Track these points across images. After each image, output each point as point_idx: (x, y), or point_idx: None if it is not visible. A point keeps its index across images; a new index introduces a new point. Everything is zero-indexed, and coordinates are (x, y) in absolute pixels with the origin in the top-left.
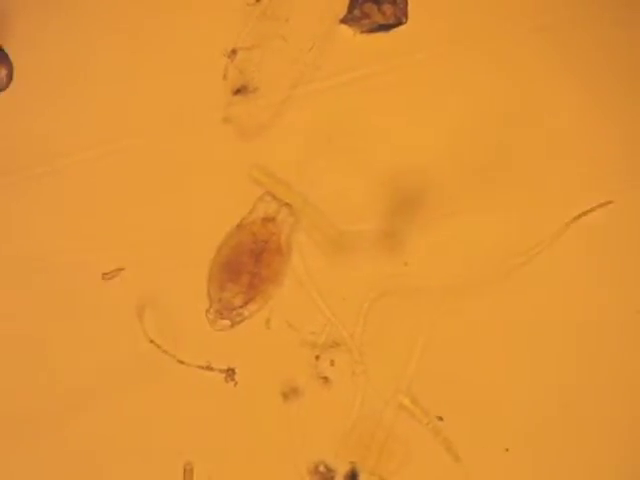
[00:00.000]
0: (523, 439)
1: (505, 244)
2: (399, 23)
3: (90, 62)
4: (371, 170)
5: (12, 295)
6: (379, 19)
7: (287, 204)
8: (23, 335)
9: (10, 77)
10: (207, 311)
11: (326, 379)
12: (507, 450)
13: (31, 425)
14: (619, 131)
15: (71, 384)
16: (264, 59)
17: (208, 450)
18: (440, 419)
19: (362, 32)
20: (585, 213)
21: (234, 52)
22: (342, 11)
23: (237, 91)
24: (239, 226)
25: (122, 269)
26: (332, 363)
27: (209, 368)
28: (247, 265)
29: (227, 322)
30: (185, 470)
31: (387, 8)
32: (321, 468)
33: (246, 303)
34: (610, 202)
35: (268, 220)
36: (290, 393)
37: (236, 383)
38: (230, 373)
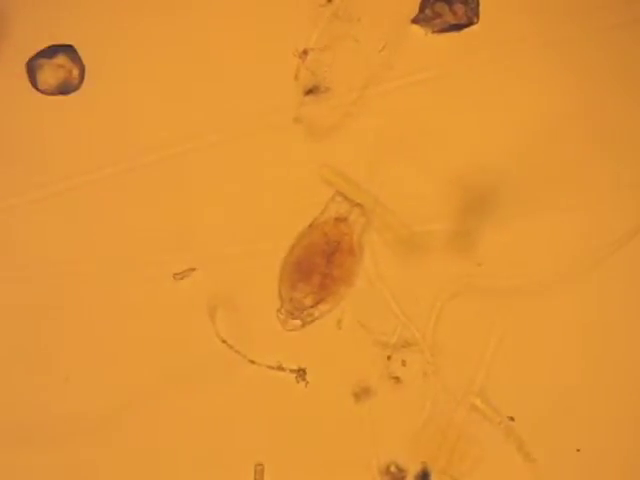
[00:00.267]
0: (595, 440)
1: (579, 244)
2: (470, 23)
3: (161, 63)
4: (443, 170)
5: (86, 297)
6: (450, 19)
7: (359, 204)
8: (96, 336)
9: (82, 77)
10: (278, 311)
11: (398, 379)
12: (579, 450)
13: (101, 425)
14: None
15: (143, 384)
16: (335, 59)
17: (279, 451)
18: (512, 419)
19: (433, 32)
20: None
21: (305, 53)
22: (413, 11)
23: (309, 91)
24: (311, 226)
25: (194, 269)
26: (404, 363)
27: (280, 368)
28: (319, 265)
29: (298, 322)
30: (256, 471)
31: (458, 8)
32: (392, 468)
33: (317, 303)
34: None
35: (340, 220)
36: (361, 393)
37: (307, 383)
38: (301, 373)
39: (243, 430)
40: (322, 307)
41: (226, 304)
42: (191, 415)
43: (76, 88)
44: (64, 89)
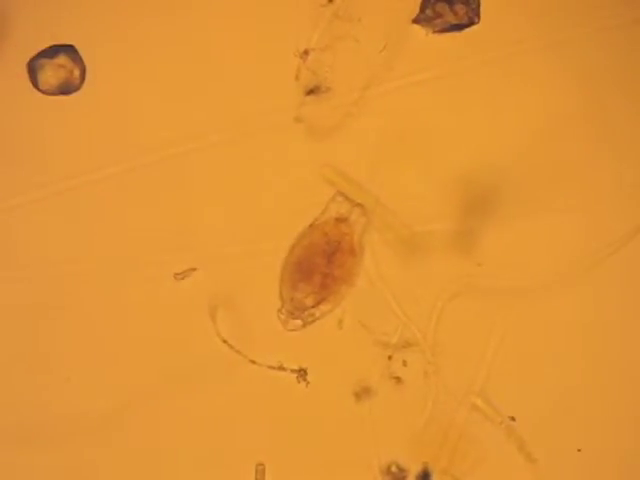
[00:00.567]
0: (595, 440)
1: (579, 244)
2: (471, 23)
3: (162, 63)
4: (443, 170)
5: (87, 297)
6: (451, 19)
7: (359, 204)
8: (97, 336)
9: (83, 77)
10: (279, 311)
11: (398, 379)
12: (579, 450)
13: (101, 424)
14: None
15: (144, 384)
16: (336, 60)
17: (280, 450)
18: (513, 419)
19: (434, 32)
20: None
21: (306, 53)
22: (414, 11)
23: (309, 91)
24: (312, 226)
25: (194, 269)
26: (404, 363)
27: (281, 368)
28: (319, 265)
29: (299, 322)
30: (257, 470)
31: (459, 8)
32: (393, 468)
33: (318, 303)
34: None
35: (340, 220)
36: (362, 393)
37: (308, 383)
38: (302, 373)
39: (244, 430)
40: (323, 307)
41: (227, 304)
42: (192, 415)
43: (77, 88)
44: (65, 89)
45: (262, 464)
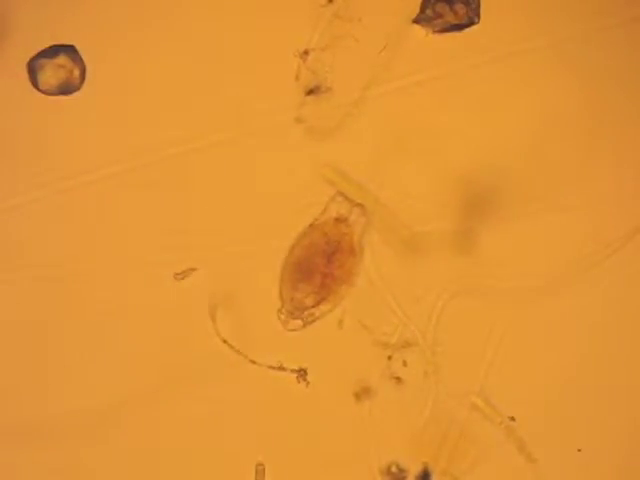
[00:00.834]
0: (596, 440)
1: (579, 244)
2: (472, 23)
3: (162, 63)
4: (444, 170)
5: (86, 297)
6: (451, 19)
7: (359, 204)
8: (96, 335)
9: (83, 77)
10: (279, 311)
11: (398, 379)
12: (579, 450)
13: (100, 424)
14: None
15: (144, 384)
16: (337, 60)
17: (280, 450)
18: (512, 419)
19: (434, 32)
20: None
21: (306, 53)
22: (414, 11)
23: (310, 92)
24: (311, 226)
25: (194, 269)
26: (404, 363)
27: (281, 368)
28: (319, 265)
29: (299, 322)
30: (257, 470)
31: (460, 8)
32: (393, 469)
33: (318, 303)
34: None
35: (340, 220)
36: (362, 393)
37: (308, 383)
38: (302, 373)
39: (244, 430)
40: (323, 307)
41: (227, 304)
42: (192, 415)
43: (77, 88)
44: (65, 89)
45: (262, 464)
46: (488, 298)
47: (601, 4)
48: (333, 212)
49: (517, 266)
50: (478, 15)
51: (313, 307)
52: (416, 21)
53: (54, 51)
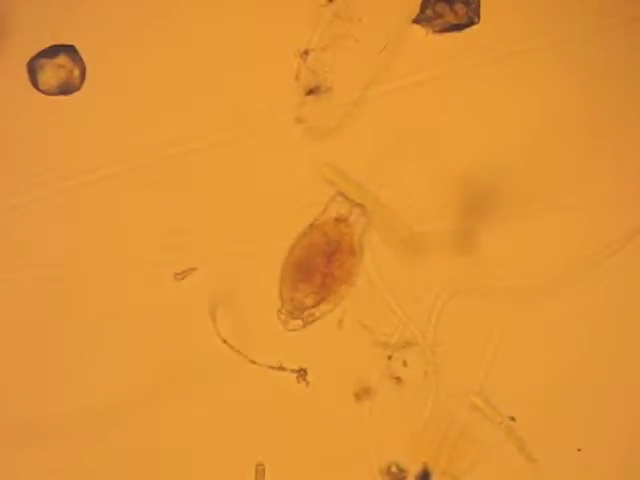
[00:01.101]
0: (596, 440)
1: (579, 244)
2: (472, 23)
3: (162, 63)
4: (444, 170)
5: (86, 297)
6: (451, 19)
7: (359, 204)
8: (96, 335)
9: (83, 77)
10: (279, 311)
11: (398, 379)
12: (579, 450)
13: (100, 425)
14: None
15: (143, 384)
16: (336, 60)
17: (280, 450)
18: (512, 419)
19: (434, 32)
20: None
21: (306, 53)
22: (414, 11)
23: (310, 91)
24: (311, 226)
25: (194, 269)
26: (404, 363)
27: (281, 368)
28: (319, 265)
29: (299, 322)
30: (257, 470)
31: (460, 8)
32: (393, 469)
33: (318, 303)
34: None
35: (340, 220)
36: (362, 393)
37: (308, 383)
38: (302, 373)
39: (244, 430)
40: (323, 307)
41: (227, 304)
42: (191, 415)
43: (77, 88)
44: (65, 89)
45: (262, 464)
46: (488, 298)
47: (601, 4)
48: (333, 212)
49: (517, 266)
50: (478, 15)
51: (313, 307)
52: (416, 21)
53: (54, 51)
